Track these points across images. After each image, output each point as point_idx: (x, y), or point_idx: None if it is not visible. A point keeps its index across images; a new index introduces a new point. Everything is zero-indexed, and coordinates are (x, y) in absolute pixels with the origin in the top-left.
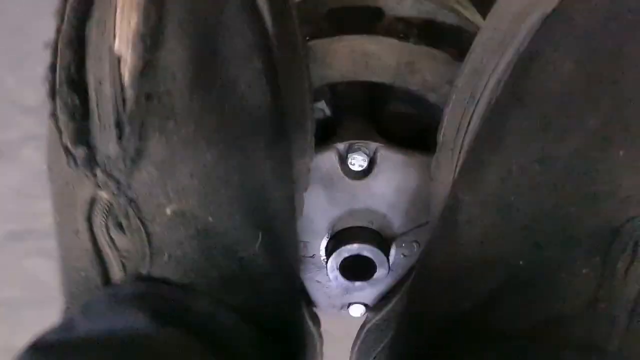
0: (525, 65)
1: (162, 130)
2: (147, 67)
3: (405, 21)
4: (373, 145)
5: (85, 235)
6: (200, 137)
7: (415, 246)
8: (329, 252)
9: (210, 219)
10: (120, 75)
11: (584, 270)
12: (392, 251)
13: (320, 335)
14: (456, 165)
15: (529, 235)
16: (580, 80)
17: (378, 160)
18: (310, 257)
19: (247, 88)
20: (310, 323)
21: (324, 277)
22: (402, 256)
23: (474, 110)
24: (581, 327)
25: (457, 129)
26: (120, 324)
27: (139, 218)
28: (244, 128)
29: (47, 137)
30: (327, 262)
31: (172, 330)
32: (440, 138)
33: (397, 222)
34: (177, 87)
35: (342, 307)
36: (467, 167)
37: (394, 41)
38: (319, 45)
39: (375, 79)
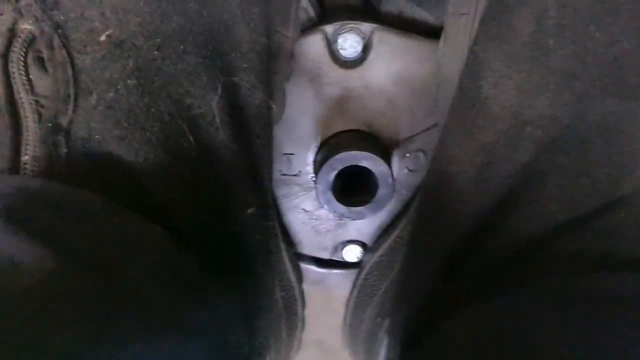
0: None
1: None
2: None
3: None
4: (368, 26)
5: None
6: None
7: (421, 157)
8: (319, 165)
9: (155, 52)
10: None
11: None
12: (395, 164)
13: (302, 295)
14: (470, 34)
15: (574, 85)
16: None
17: (374, 43)
18: (295, 175)
19: None
20: (290, 272)
21: (313, 203)
22: (406, 171)
23: None
24: None
25: None
26: None
27: (65, 48)
28: None
29: None
30: (316, 181)
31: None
32: (449, 7)
33: (399, 123)
34: None
35: (334, 250)
36: (490, 16)
37: None
38: None
39: None
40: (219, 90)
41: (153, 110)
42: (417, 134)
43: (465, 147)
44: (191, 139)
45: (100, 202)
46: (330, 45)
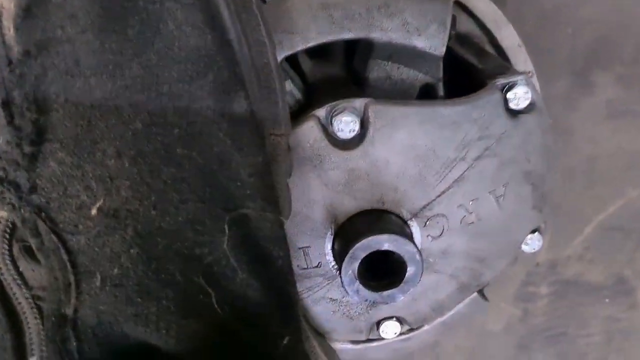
0: None
1: (68, 93)
2: (35, 7)
3: None
4: (360, 102)
5: None
6: (122, 97)
7: (442, 221)
8: (338, 255)
9: (152, 211)
10: (1, 30)
11: None
12: (416, 235)
13: None
14: None
15: None
16: None
17: (371, 118)
18: (315, 267)
19: (178, 26)
20: None
21: (339, 291)
22: (430, 239)
23: None
24: None
25: None
26: None
27: (54, 232)
28: (180, 76)
29: None
30: (340, 271)
31: None
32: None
33: (412, 193)
34: (79, 31)
35: (370, 330)
36: None
37: None
38: (272, 5)
39: (346, 35)
40: (227, 230)
41: (163, 275)
42: (433, 199)
43: None
44: (210, 290)
45: None
46: (326, 129)
